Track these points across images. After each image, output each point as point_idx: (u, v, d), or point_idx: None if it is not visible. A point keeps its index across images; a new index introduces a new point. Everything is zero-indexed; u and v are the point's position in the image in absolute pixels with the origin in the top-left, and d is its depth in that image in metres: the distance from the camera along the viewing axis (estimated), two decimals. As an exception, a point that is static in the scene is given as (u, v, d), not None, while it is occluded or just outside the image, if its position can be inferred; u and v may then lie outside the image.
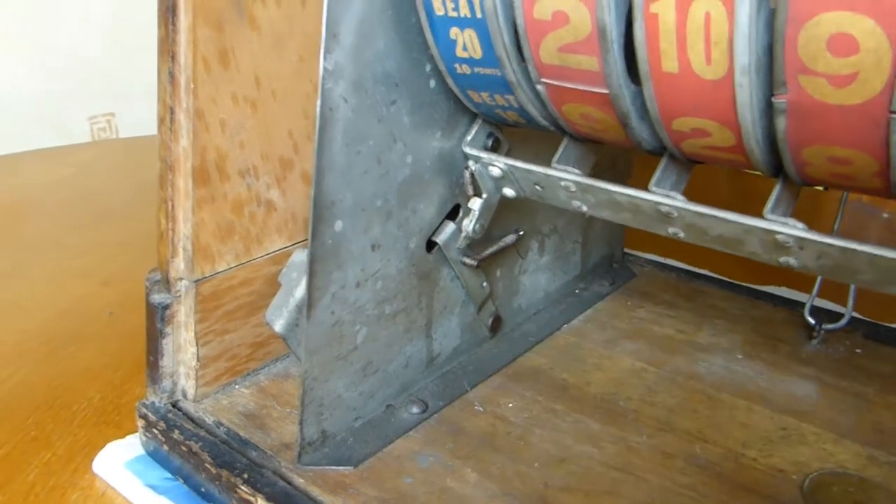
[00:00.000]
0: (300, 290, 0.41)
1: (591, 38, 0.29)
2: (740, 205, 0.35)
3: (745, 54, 0.26)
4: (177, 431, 0.39)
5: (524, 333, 0.49)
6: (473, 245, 0.42)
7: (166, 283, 0.40)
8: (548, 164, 0.37)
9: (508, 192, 0.40)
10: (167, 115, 0.38)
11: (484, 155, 0.39)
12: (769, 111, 0.27)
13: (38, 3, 1.14)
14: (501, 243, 0.44)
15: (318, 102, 0.32)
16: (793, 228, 0.30)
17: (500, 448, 0.39)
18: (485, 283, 0.45)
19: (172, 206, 0.39)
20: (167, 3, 0.36)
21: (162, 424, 0.40)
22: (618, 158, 0.52)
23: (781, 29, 0.25)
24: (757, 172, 0.31)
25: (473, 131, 0.40)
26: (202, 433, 0.39)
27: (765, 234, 0.31)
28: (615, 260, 0.59)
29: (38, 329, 0.56)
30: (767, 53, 0.26)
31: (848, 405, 0.43)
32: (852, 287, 0.47)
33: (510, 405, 0.42)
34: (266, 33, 0.39)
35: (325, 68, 0.32)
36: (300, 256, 0.42)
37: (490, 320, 0.46)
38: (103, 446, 0.43)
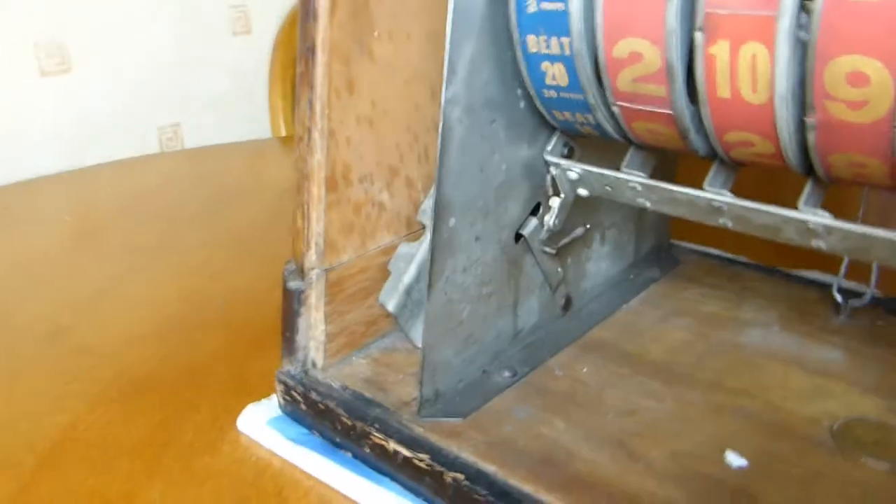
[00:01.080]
0: (407, 276, 0.50)
1: (661, 72, 0.37)
2: (772, 193, 0.43)
3: (784, 85, 0.34)
4: (314, 393, 0.48)
5: (590, 312, 0.57)
6: (552, 236, 0.50)
7: (301, 272, 0.48)
8: (615, 166, 0.45)
9: (582, 191, 0.48)
10: (305, 135, 0.46)
11: (563, 162, 0.47)
12: (802, 127, 0.35)
13: (108, 20, 1.24)
14: (573, 235, 0.52)
15: (441, 125, 0.40)
16: (821, 218, 0.38)
17: (580, 404, 0.47)
18: (559, 269, 0.53)
19: (307, 209, 0.47)
20: (307, 44, 0.45)
21: (300, 388, 0.48)
22: (667, 155, 0.59)
23: (811, 66, 0.33)
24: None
25: (553, 142, 0.48)
26: (334, 394, 0.47)
27: (799, 223, 0.39)
28: (663, 249, 0.66)
29: (167, 318, 0.65)
30: (800, 84, 0.34)
31: (872, 367, 0.50)
32: (874, 269, 0.54)
33: (584, 370, 0.50)
34: (381, 64, 0.48)
35: (446, 97, 0.40)
36: (405, 248, 0.51)
37: (563, 300, 0.55)
38: (241, 410, 0.51)
